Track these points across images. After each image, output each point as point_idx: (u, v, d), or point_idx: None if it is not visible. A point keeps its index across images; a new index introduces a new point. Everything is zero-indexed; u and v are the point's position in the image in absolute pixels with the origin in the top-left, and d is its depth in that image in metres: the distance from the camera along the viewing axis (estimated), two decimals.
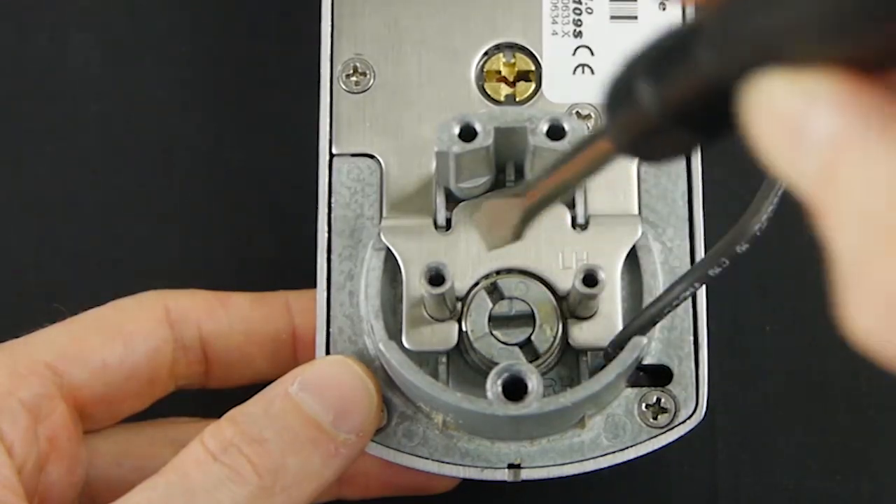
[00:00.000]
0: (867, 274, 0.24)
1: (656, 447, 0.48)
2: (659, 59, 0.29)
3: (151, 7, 0.63)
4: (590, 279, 0.45)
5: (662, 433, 0.48)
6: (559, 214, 0.48)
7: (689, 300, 0.47)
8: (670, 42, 0.29)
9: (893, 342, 0.24)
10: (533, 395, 0.44)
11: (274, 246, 0.60)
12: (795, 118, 0.26)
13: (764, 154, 0.27)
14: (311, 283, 0.50)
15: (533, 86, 0.51)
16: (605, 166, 0.35)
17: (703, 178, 0.50)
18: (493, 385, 0.44)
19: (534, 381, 0.44)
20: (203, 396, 0.54)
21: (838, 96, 0.25)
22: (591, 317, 0.47)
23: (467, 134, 0.45)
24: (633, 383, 0.48)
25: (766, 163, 0.27)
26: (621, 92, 0.30)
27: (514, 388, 0.44)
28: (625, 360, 0.46)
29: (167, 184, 0.61)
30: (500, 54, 0.51)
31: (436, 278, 0.45)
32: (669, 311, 0.45)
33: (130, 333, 0.51)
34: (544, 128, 0.46)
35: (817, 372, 0.58)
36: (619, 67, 0.30)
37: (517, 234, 0.41)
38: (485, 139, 0.45)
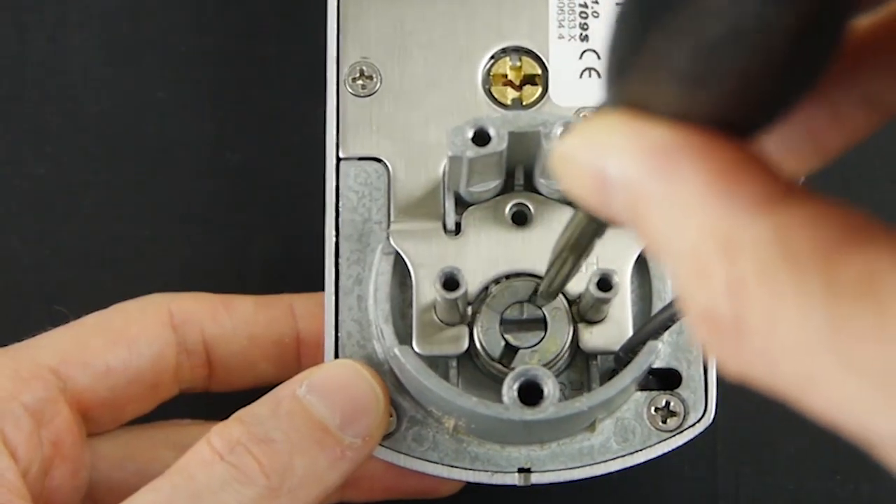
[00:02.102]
0: (689, 302, 0.26)
1: (666, 451, 0.48)
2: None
3: (151, 7, 0.63)
4: (604, 283, 0.45)
5: (672, 437, 0.48)
6: (568, 218, 0.48)
7: None
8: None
9: (722, 358, 0.26)
10: (549, 400, 0.44)
11: (274, 246, 0.60)
12: (593, 172, 0.28)
13: (577, 200, 0.29)
14: (313, 284, 0.50)
15: (539, 89, 0.51)
16: (585, 239, 0.38)
17: None
18: (510, 390, 0.44)
19: (550, 386, 0.44)
20: (206, 399, 0.54)
21: (628, 143, 0.27)
22: (601, 321, 0.47)
23: (481, 139, 0.45)
24: (642, 387, 0.48)
25: (582, 207, 0.30)
26: None
27: (530, 393, 0.44)
28: (641, 364, 0.46)
29: (167, 184, 0.61)
30: (507, 58, 0.51)
31: (450, 283, 0.45)
32: (681, 317, 0.45)
33: (134, 337, 0.51)
34: (558, 132, 0.46)
35: None
36: None
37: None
38: (499, 144, 0.45)
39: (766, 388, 0.26)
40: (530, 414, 0.44)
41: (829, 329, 0.24)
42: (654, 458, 0.48)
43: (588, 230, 0.37)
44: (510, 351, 0.47)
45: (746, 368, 0.26)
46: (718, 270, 0.25)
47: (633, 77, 0.27)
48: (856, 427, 0.24)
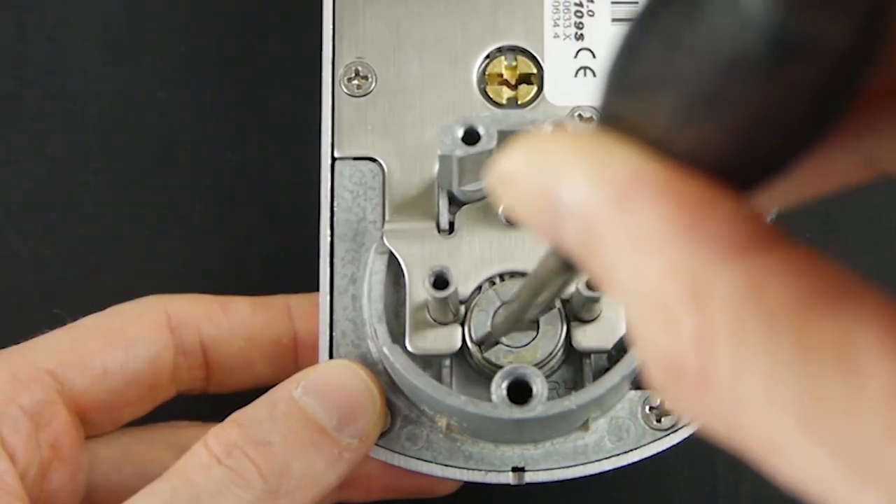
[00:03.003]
0: (647, 344, 0.24)
1: (660, 450, 0.48)
2: None
3: (151, 7, 0.63)
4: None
5: (666, 436, 0.48)
6: None
7: None
8: None
9: (678, 404, 0.24)
10: (538, 399, 0.44)
11: (274, 246, 0.61)
12: (542, 195, 0.25)
13: (520, 223, 0.27)
14: (311, 284, 0.50)
15: (535, 89, 0.51)
16: (552, 285, 0.36)
17: None
18: (498, 388, 0.44)
19: (539, 385, 0.44)
20: (203, 401, 0.54)
21: (587, 167, 0.25)
22: (594, 320, 0.47)
23: (471, 137, 0.45)
24: (636, 385, 0.48)
25: (529, 230, 0.27)
26: None
27: (519, 392, 0.44)
28: (630, 362, 0.46)
29: (167, 184, 0.61)
30: (502, 57, 0.51)
31: (440, 282, 0.45)
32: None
33: (131, 339, 0.51)
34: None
35: None
36: None
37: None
38: (488, 142, 0.45)
39: (726, 442, 0.24)
40: (519, 412, 0.44)
41: (799, 392, 0.23)
42: (649, 458, 0.48)
43: (557, 277, 0.35)
44: (503, 349, 0.47)
45: (706, 420, 0.24)
46: (686, 317, 0.23)
47: (622, 91, 0.25)
48: (818, 498, 0.23)
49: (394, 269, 0.49)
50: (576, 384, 0.48)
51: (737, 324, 0.23)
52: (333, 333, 0.49)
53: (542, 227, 0.26)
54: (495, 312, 0.47)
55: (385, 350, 0.46)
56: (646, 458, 0.48)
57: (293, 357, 0.53)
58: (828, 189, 0.29)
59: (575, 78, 0.51)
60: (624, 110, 0.25)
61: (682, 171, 0.24)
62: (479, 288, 0.48)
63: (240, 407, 0.47)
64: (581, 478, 0.48)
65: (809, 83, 0.22)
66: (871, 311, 0.23)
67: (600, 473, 0.48)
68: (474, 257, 0.48)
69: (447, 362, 0.48)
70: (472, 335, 0.47)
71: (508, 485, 0.48)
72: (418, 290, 0.47)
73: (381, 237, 0.49)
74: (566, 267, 0.32)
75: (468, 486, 0.50)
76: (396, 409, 0.48)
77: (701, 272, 0.23)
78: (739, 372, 0.23)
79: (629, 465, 0.48)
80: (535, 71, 0.51)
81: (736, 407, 0.23)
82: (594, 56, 0.51)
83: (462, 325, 0.47)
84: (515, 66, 0.51)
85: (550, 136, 0.26)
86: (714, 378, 0.23)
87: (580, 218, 0.25)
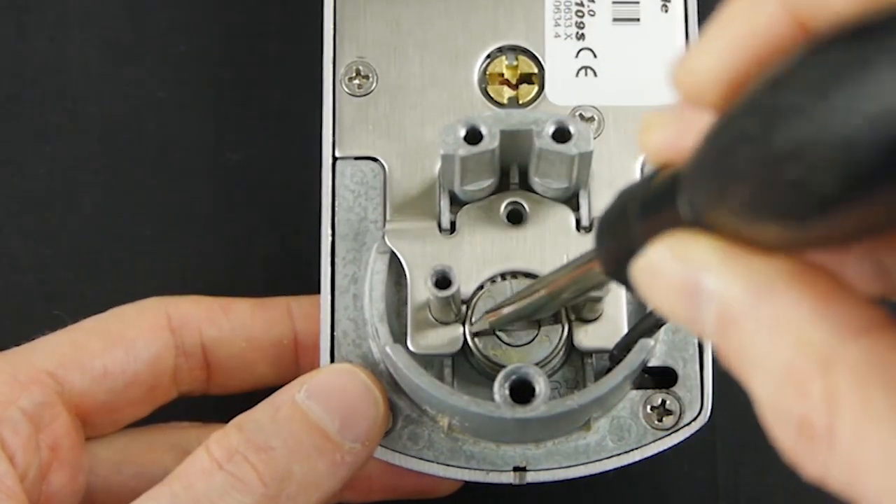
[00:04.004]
0: (780, 410, 0.28)
1: (661, 449, 0.48)
2: (647, 201, 0.32)
3: (151, 7, 0.63)
4: None
5: (667, 435, 0.48)
6: (564, 217, 0.48)
7: None
8: (657, 189, 0.31)
9: (806, 462, 0.28)
10: (540, 398, 0.44)
11: (274, 246, 0.61)
12: (684, 286, 0.29)
13: (656, 307, 0.31)
14: (311, 284, 0.50)
15: (535, 88, 0.51)
16: (589, 287, 0.41)
17: None
18: (501, 388, 0.44)
19: (541, 384, 0.44)
20: (204, 402, 0.54)
21: (724, 264, 0.28)
22: (595, 319, 0.47)
23: (473, 137, 0.45)
24: (637, 385, 0.48)
25: (665, 317, 0.31)
26: (614, 222, 0.33)
27: (522, 391, 0.44)
28: (632, 362, 0.46)
29: (167, 184, 0.61)
30: (503, 57, 0.51)
31: (442, 282, 0.45)
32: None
33: (132, 340, 0.51)
34: (550, 130, 0.46)
35: None
36: (613, 202, 0.33)
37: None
38: (490, 142, 0.45)
39: (845, 496, 0.27)
40: (521, 412, 0.44)
41: None
42: (650, 457, 0.48)
43: (592, 284, 0.38)
44: (504, 348, 0.47)
45: (830, 474, 0.27)
46: (816, 382, 0.27)
47: (730, 208, 0.28)
48: None
49: (395, 269, 0.49)
50: (577, 384, 0.48)
51: (861, 389, 0.26)
52: (335, 333, 0.48)
53: (681, 311, 0.30)
54: (502, 302, 0.47)
55: (387, 349, 0.46)
56: (647, 458, 0.48)
57: (294, 358, 0.53)
58: None
59: (576, 77, 0.51)
60: (731, 217, 0.28)
61: (802, 263, 0.28)
62: (481, 287, 0.48)
63: (240, 408, 0.47)
64: (582, 477, 0.48)
65: None
66: None
67: (601, 473, 0.48)
68: (476, 257, 0.48)
69: (448, 362, 0.48)
70: (472, 319, 0.47)
71: (510, 484, 0.48)
72: (420, 289, 0.47)
73: (383, 237, 0.49)
74: (607, 278, 0.35)
75: (469, 485, 0.50)
76: (398, 409, 0.48)
77: (829, 346, 0.27)
78: (861, 431, 0.26)
79: (630, 464, 0.48)
80: (535, 70, 0.51)
81: (857, 462, 0.27)
82: (595, 56, 0.51)
83: (463, 324, 0.47)
84: (516, 66, 0.51)
85: (690, 236, 0.29)
86: (839, 435, 0.27)
87: (718, 306, 0.29)
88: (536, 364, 0.46)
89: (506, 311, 0.46)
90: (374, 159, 0.50)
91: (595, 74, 0.51)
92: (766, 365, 0.28)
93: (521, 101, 0.51)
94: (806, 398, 0.27)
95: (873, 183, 0.24)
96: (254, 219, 0.61)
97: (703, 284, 0.29)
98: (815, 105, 0.24)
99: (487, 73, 0.51)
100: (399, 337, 0.47)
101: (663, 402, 0.48)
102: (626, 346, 0.46)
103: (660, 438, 0.48)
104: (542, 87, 0.51)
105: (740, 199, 0.27)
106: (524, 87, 0.51)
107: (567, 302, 0.45)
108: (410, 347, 0.47)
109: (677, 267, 0.29)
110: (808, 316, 0.27)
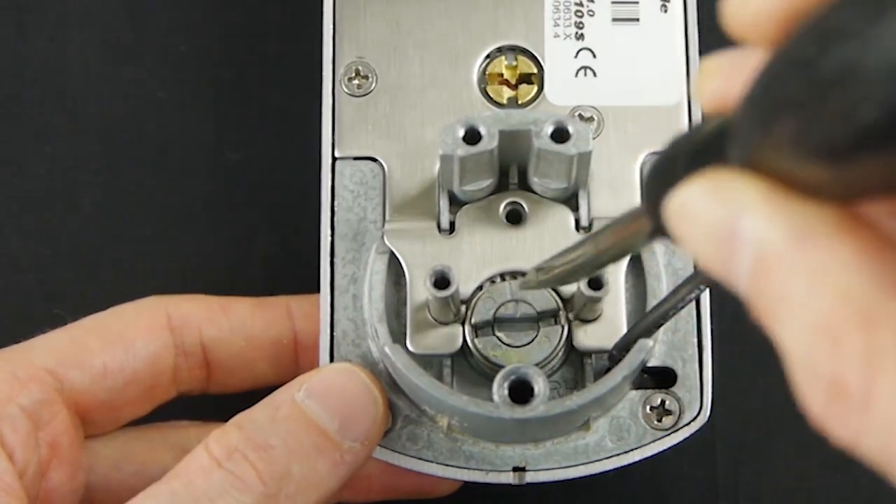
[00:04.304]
0: (812, 367, 0.26)
1: (661, 449, 0.48)
2: (698, 148, 0.30)
3: (151, 7, 0.63)
4: (595, 283, 0.45)
5: (667, 435, 0.48)
6: (563, 217, 0.48)
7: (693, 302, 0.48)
8: (708, 136, 0.30)
9: (838, 426, 0.26)
10: (539, 398, 0.44)
11: (274, 246, 0.61)
12: (721, 227, 0.27)
13: (695, 258, 0.29)
14: (311, 284, 0.50)
15: (535, 88, 0.51)
16: (637, 246, 0.39)
17: None
18: (500, 388, 0.44)
19: (540, 384, 0.44)
20: (204, 401, 0.54)
21: (766, 206, 0.27)
22: (595, 319, 0.47)
23: (472, 137, 0.45)
24: (637, 385, 0.48)
25: (699, 265, 0.28)
26: (663, 172, 0.31)
27: (521, 391, 0.44)
28: (631, 362, 0.46)
29: (167, 184, 0.61)
30: (502, 57, 0.51)
31: (441, 282, 0.45)
32: (674, 314, 0.45)
33: (131, 339, 0.51)
34: (549, 130, 0.46)
35: None
36: (662, 151, 0.31)
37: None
38: (489, 142, 0.45)
39: (879, 464, 0.26)
40: (520, 412, 0.44)
41: None
42: (650, 457, 0.48)
43: (640, 240, 0.36)
44: (503, 348, 0.47)
45: (863, 439, 0.26)
46: (855, 339, 0.25)
47: (779, 142, 0.26)
48: None
49: (394, 269, 0.49)
50: (576, 384, 0.48)
51: None
52: (334, 333, 0.49)
53: (715, 255, 0.28)
54: (551, 259, 0.46)
55: (386, 350, 0.46)
56: (647, 458, 0.48)
57: (293, 357, 0.53)
58: None
59: (575, 78, 0.51)
60: (778, 153, 0.27)
61: (851, 213, 0.26)
62: (480, 287, 0.48)
63: (240, 407, 0.47)
64: (582, 478, 0.48)
65: None
66: None
67: (601, 473, 0.48)
68: (475, 257, 0.48)
69: (448, 362, 0.48)
70: (472, 319, 0.47)
71: (509, 484, 0.48)
72: (419, 289, 0.47)
73: (382, 237, 0.49)
74: (655, 233, 0.33)
75: (468, 485, 0.50)
76: (397, 409, 0.48)
77: (872, 300, 0.25)
78: None
79: (630, 464, 0.48)
80: (535, 70, 0.51)
81: (894, 430, 0.25)
82: (594, 56, 0.51)
83: (463, 324, 0.47)
84: (516, 66, 0.51)
85: (730, 175, 0.27)
86: (876, 397, 0.25)
87: (756, 251, 0.27)
88: (536, 364, 0.46)
89: (556, 270, 0.44)
90: (374, 159, 0.50)
91: (594, 74, 0.51)
92: (801, 317, 0.26)
93: (520, 102, 0.51)
94: (842, 355, 0.25)
95: None
96: (254, 219, 0.61)
97: (741, 226, 0.27)
98: (863, 29, 0.23)
99: (487, 73, 0.51)
100: (398, 337, 0.47)
101: (663, 402, 0.48)
102: (625, 346, 0.46)
103: (659, 438, 0.48)
104: (541, 88, 0.51)
105: (788, 133, 0.25)
106: (523, 87, 0.51)
107: (613, 260, 0.42)
108: (410, 347, 0.47)
109: (715, 207, 0.28)
110: (852, 267, 0.26)
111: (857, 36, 0.24)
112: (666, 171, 0.31)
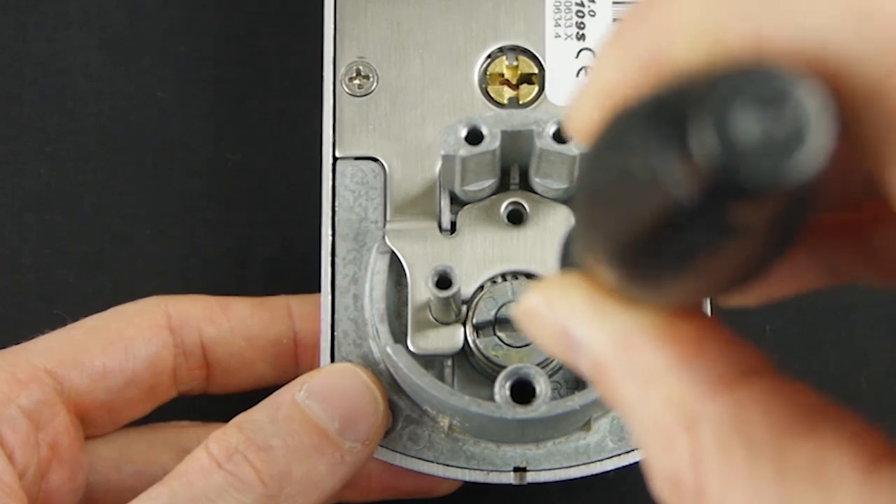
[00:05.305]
0: (654, 463, 0.28)
1: None
2: (567, 244, 0.32)
3: (151, 7, 0.63)
4: None
5: None
6: (564, 217, 0.48)
7: None
8: (568, 239, 0.32)
9: None
10: (541, 399, 0.44)
11: (274, 246, 0.60)
12: (559, 333, 0.29)
13: (546, 352, 0.31)
14: (312, 284, 0.50)
15: (536, 88, 0.51)
16: None
17: None
18: (502, 388, 0.44)
19: (542, 385, 0.44)
20: (204, 401, 0.54)
21: (592, 313, 0.29)
22: None
23: (474, 137, 0.45)
24: None
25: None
26: (562, 258, 0.33)
27: (522, 392, 0.44)
28: None
29: (167, 184, 0.61)
30: (503, 57, 0.51)
31: (443, 282, 0.45)
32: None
33: (131, 339, 0.51)
34: (551, 130, 0.46)
35: (817, 372, 0.58)
36: (566, 234, 0.34)
37: None
38: (491, 143, 0.46)
39: None
40: (522, 412, 0.44)
41: None
42: None
43: None
44: (504, 349, 0.47)
45: None
46: (684, 441, 0.27)
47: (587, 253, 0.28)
48: None
49: (395, 269, 0.49)
50: (577, 384, 0.48)
51: (723, 449, 0.26)
52: (335, 333, 0.49)
53: (562, 356, 0.30)
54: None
55: (388, 350, 0.46)
56: None
57: (293, 357, 0.53)
58: (790, 291, 0.32)
59: (576, 78, 0.51)
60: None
61: (671, 312, 0.28)
62: (482, 287, 0.48)
63: (240, 407, 0.47)
64: (582, 477, 0.48)
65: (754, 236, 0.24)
66: (844, 434, 0.26)
67: (602, 473, 0.48)
68: (476, 257, 0.48)
69: (449, 362, 0.48)
70: (473, 319, 0.47)
71: (510, 485, 0.48)
72: (420, 289, 0.47)
73: (383, 237, 0.49)
74: None
75: (469, 486, 0.50)
76: (398, 409, 0.48)
77: (693, 401, 0.27)
78: (727, 490, 0.26)
79: (630, 464, 0.48)
80: (536, 71, 0.51)
81: None
82: (595, 56, 0.51)
83: (464, 324, 0.47)
84: (517, 66, 0.51)
85: (563, 284, 0.29)
86: (707, 495, 0.27)
87: (589, 355, 0.29)
88: (537, 364, 0.46)
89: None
90: (375, 159, 0.50)
91: None
92: (639, 419, 0.28)
93: (521, 102, 0.51)
94: (675, 456, 0.27)
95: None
96: (254, 219, 0.61)
97: (573, 333, 0.29)
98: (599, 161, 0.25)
99: (488, 73, 0.51)
100: (399, 337, 0.47)
101: None
102: None
103: None
104: (542, 88, 0.51)
105: (586, 243, 0.27)
106: (525, 87, 0.51)
107: None
108: (411, 348, 0.47)
109: (550, 312, 0.30)
110: (674, 371, 0.27)
111: (594, 168, 0.26)
112: (563, 262, 0.33)
